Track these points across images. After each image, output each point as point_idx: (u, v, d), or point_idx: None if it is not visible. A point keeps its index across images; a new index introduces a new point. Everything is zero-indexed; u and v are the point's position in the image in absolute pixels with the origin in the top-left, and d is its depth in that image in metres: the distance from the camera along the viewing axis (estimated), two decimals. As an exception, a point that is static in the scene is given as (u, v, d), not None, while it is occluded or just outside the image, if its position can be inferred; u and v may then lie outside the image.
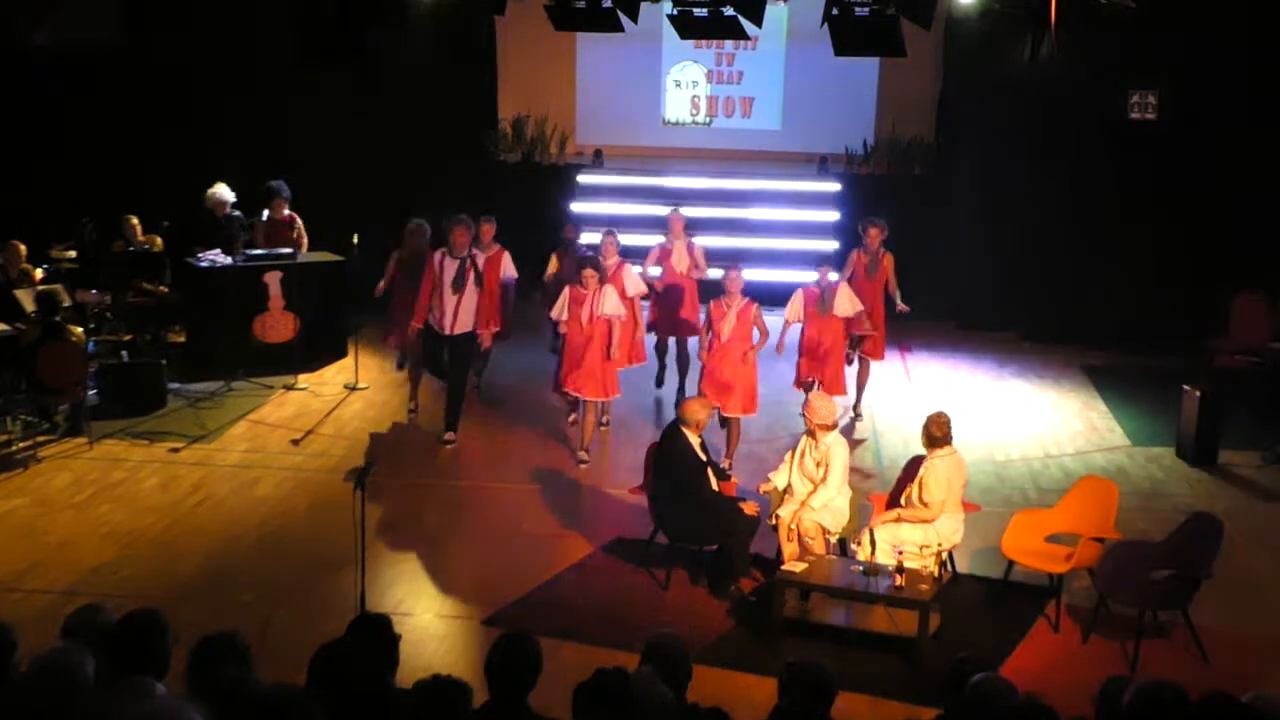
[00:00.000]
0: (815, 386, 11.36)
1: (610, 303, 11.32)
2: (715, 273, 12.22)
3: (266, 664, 4.98)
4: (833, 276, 11.94)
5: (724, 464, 10.87)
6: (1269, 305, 13.70)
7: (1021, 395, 13.66)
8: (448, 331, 11.69)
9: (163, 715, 3.96)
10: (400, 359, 13.13)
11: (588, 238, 14.85)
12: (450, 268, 11.62)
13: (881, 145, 17.40)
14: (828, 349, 11.73)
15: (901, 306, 12.42)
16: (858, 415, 12.57)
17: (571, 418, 12.06)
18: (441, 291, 11.61)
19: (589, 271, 11.34)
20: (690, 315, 12.80)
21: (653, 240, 13.28)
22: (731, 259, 12.63)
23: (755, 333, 11.27)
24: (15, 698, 4.51)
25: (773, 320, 11.63)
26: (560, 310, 11.46)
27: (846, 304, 11.71)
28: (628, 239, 13.41)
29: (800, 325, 11.88)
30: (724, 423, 11.22)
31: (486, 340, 12.04)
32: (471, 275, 11.64)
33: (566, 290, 11.48)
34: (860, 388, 12.58)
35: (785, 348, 11.83)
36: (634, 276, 12.37)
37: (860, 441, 12.00)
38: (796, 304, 11.82)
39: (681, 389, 12.81)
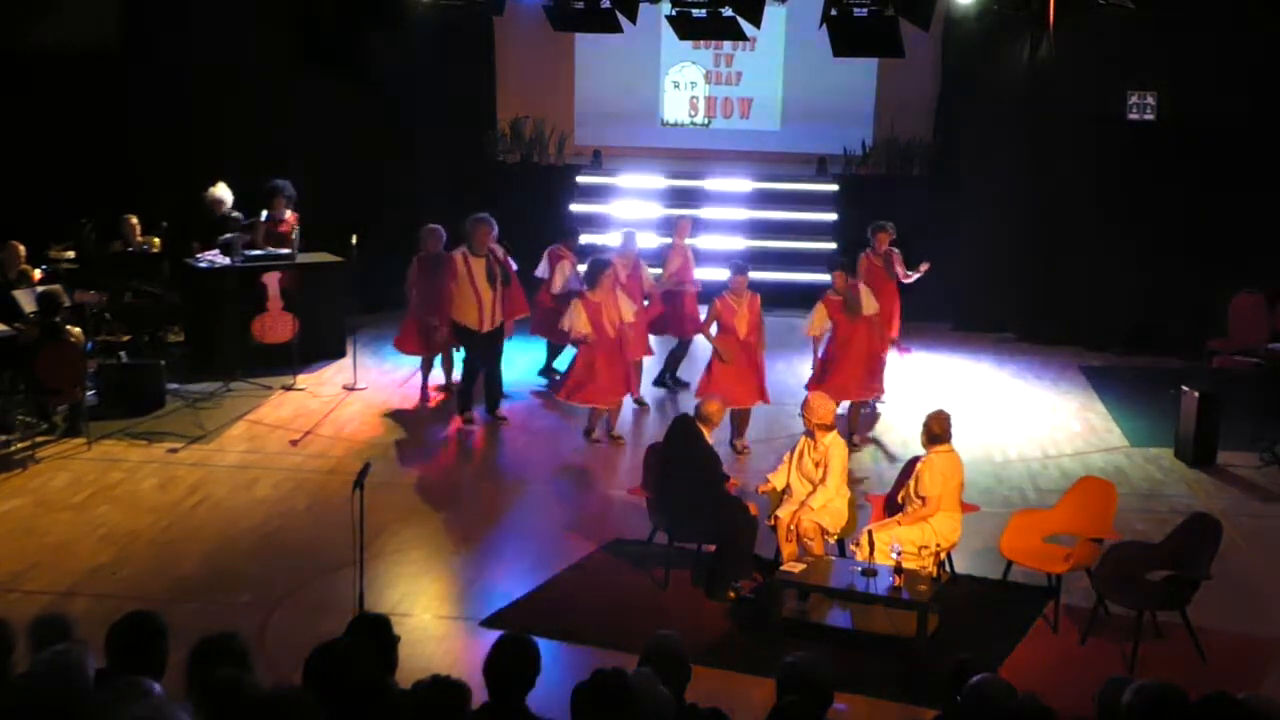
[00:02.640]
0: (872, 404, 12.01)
1: (628, 309, 11.68)
2: (722, 273, 12.28)
3: (265, 664, 4.98)
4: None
5: (739, 444, 11.50)
6: (1268, 306, 13.70)
7: (1020, 396, 13.66)
8: (485, 328, 11.97)
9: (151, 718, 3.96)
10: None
11: (588, 238, 14.85)
12: (478, 266, 11.88)
13: (880, 146, 17.40)
14: (862, 350, 11.60)
15: (924, 265, 12.88)
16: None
17: (596, 434, 11.90)
18: (476, 290, 11.88)
19: (607, 274, 11.60)
20: (683, 317, 13.06)
21: (649, 241, 13.39)
22: (731, 260, 12.70)
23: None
24: (15, 698, 4.51)
25: (769, 320, 11.76)
26: (581, 323, 11.44)
27: (871, 303, 11.67)
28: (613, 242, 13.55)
29: (828, 336, 11.75)
30: (735, 413, 11.40)
31: (510, 330, 12.40)
32: (499, 271, 11.99)
33: (580, 302, 11.53)
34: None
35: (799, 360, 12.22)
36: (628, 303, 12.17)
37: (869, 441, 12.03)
38: (821, 315, 11.68)
39: (660, 379, 13.26)
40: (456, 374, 12.92)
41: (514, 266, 12.68)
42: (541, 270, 13.17)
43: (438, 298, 12.24)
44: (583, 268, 12.63)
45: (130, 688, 4.39)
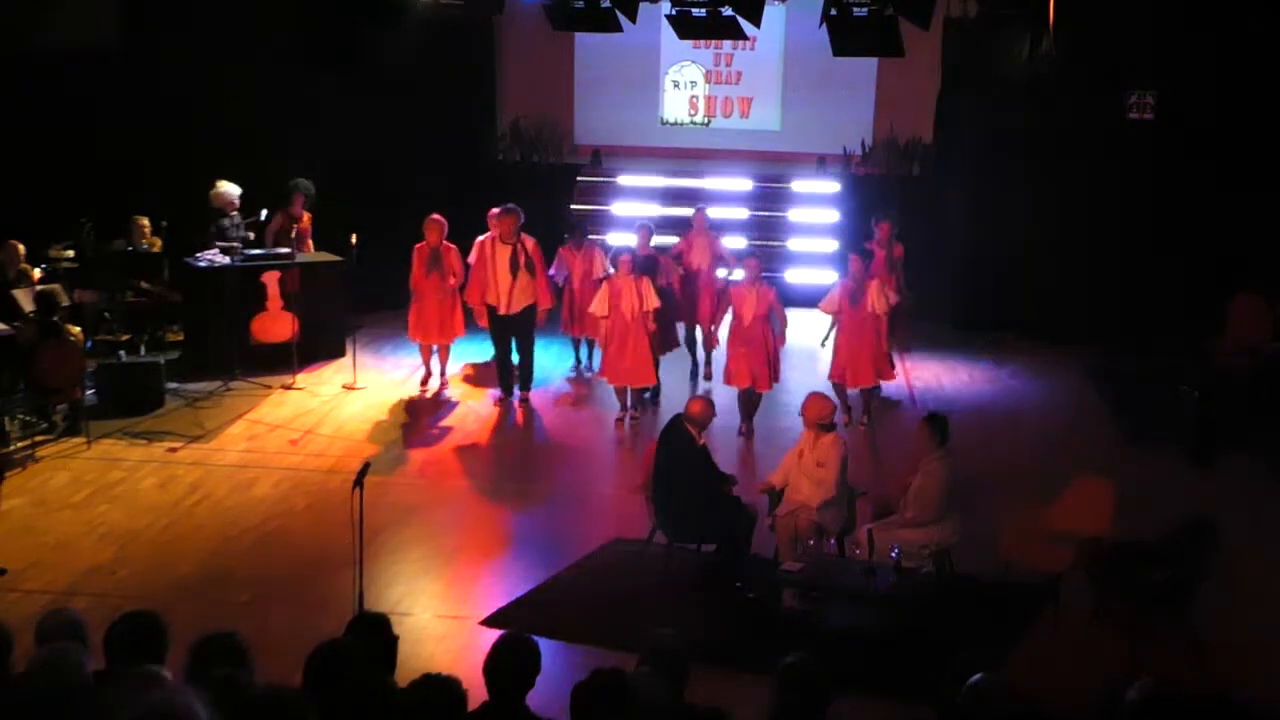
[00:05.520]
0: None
1: (651, 297, 11.94)
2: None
3: (264, 664, 4.98)
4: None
5: (742, 428, 11.92)
6: (1268, 305, 13.68)
7: (1019, 395, 13.65)
8: (503, 311, 12.40)
9: (165, 706, 3.95)
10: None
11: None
12: (503, 254, 12.32)
13: (879, 145, 17.42)
14: (858, 341, 12.09)
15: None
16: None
17: (619, 415, 12.31)
18: (495, 275, 12.35)
19: (625, 258, 12.00)
20: (707, 307, 13.26)
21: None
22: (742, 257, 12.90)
23: (774, 317, 11.81)
24: (13, 696, 4.51)
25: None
26: (601, 305, 11.99)
27: (876, 301, 12.05)
28: (623, 239, 13.56)
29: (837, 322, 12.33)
30: (740, 396, 11.94)
31: (542, 316, 12.81)
32: (523, 260, 12.36)
33: (606, 285, 12.10)
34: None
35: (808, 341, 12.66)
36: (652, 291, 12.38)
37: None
38: (833, 297, 12.27)
39: (694, 376, 13.42)
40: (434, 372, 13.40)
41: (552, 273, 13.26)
42: (554, 271, 13.39)
43: (435, 290, 12.81)
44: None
45: (142, 677, 4.38)
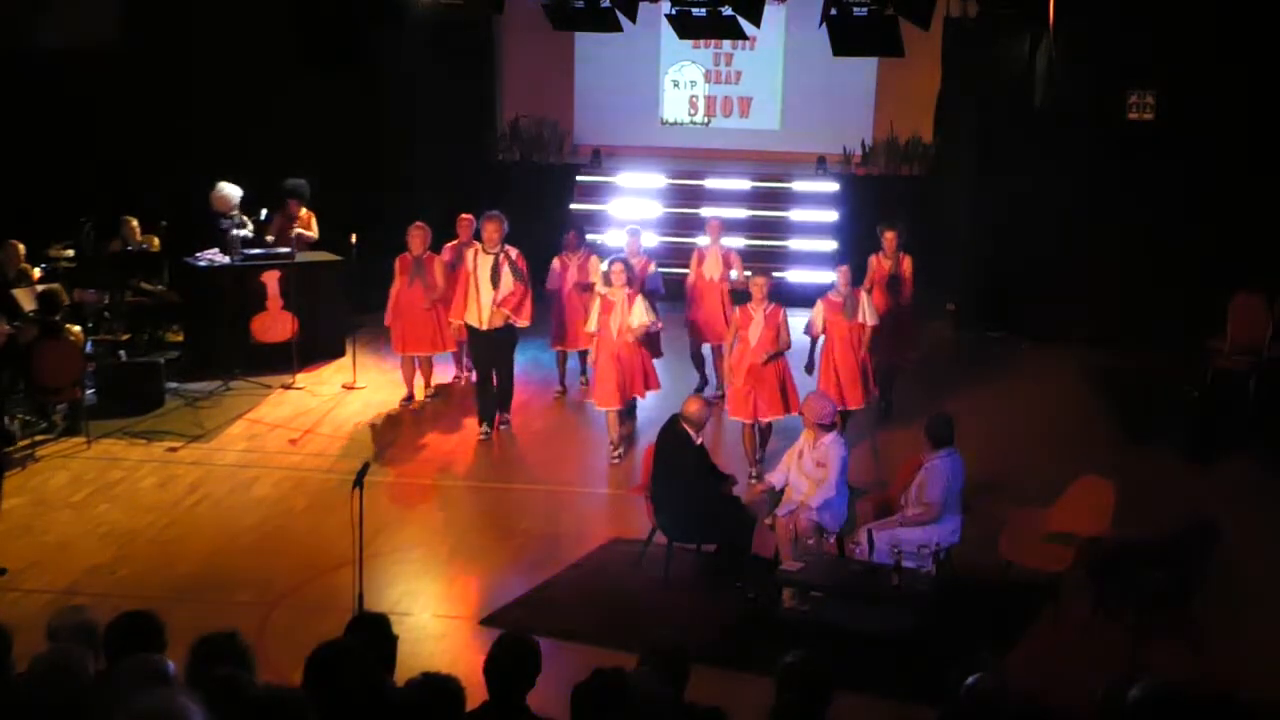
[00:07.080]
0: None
1: (638, 314, 11.23)
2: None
3: (264, 664, 4.98)
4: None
5: (752, 473, 10.78)
6: (1267, 305, 13.68)
7: (1019, 395, 13.64)
8: (484, 327, 11.74)
9: (165, 706, 3.94)
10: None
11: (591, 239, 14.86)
12: (485, 264, 11.68)
13: (879, 145, 17.43)
14: (846, 357, 11.44)
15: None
16: (888, 405, 12.62)
17: (611, 454, 11.54)
18: (477, 286, 11.68)
19: (618, 267, 11.30)
20: (720, 322, 12.60)
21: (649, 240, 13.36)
22: (749, 261, 12.65)
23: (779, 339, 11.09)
24: (16, 696, 4.51)
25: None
26: (593, 320, 11.42)
27: (868, 312, 11.46)
28: (624, 239, 13.48)
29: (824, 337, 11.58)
30: (754, 427, 11.08)
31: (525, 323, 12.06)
32: (506, 268, 11.66)
33: (598, 299, 11.48)
34: (889, 384, 12.68)
35: (807, 362, 11.47)
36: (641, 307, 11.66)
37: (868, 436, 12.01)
38: (819, 315, 11.51)
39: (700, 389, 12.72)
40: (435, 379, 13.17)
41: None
42: (547, 284, 12.94)
43: (420, 298, 12.43)
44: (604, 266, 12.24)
45: (145, 667, 4.38)
